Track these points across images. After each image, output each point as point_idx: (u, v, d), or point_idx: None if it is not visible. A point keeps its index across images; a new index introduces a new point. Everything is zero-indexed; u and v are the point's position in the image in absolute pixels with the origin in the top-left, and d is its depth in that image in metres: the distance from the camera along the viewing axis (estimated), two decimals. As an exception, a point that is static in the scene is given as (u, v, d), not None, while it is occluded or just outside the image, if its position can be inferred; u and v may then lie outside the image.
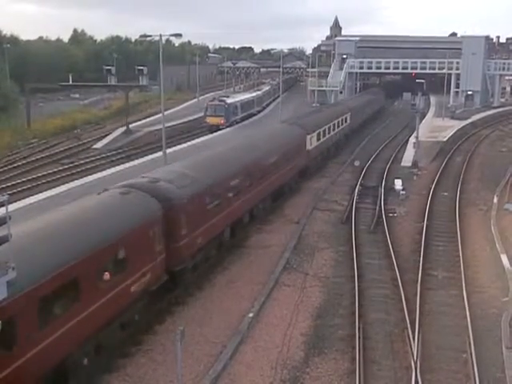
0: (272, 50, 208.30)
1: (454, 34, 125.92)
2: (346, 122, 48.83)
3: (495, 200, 31.36)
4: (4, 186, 34.72)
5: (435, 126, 58.25)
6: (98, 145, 51.07)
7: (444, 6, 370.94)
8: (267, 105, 75.74)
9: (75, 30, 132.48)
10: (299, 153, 33.27)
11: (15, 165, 42.49)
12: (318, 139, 38.14)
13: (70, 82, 75.38)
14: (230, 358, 15.46)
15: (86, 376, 13.54)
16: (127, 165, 38.12)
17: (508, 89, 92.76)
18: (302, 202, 31.54)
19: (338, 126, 45.65)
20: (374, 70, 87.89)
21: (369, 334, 16.94)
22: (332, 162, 42.63)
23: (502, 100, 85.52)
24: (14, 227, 11.13)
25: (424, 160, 42.35)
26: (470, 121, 64.36)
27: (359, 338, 16.29)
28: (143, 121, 63.66)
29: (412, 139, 45.12)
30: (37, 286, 11.41)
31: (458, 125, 59.83)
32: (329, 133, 41.63)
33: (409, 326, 16.94)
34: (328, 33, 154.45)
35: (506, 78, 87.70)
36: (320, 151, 39.32)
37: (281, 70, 70.86)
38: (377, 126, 64.46)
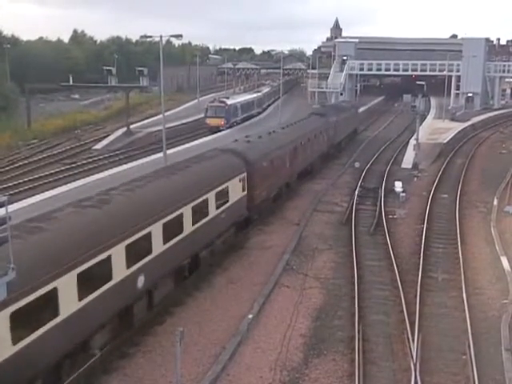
0: (272, 51, 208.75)
1: (454, 36, 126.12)
2: (227, 200, 21.76)
3: (495, 202, 31.37)
4: (5, 186, 34.74)
5: (435, 128, 58.23)
6: (99, 145, 51.04)
7: (444, 7, 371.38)
8: (267, 106, 75.80)
9: (75, 31, 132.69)
10: None
11: (16, 165, 42.48)
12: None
13: (71, 83, 75.37)
14: (229, 359, 15.44)
15: None
16: (127, 166, 38.11)
17: (508, 91, 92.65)
18: (302, 203, 31.55)
19: (195, 222, 19.00)
20: (374, 72, 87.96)
21: (368, 335, 16.93)
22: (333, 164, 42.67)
23: (503, 102, 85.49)
24: None
25: (424, 162, 42.36)
26: (470, 123, 64.34)
27: (359, 339, 16.28)
28: (144, 122, 63.65)
29: (412, 141, 45.13)
30: None
31: (458, 127, 59.81)
32: (132, 263, 15.22)
33: (408, 327, 16.92)
34: (328, 34, 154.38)
35: (506, 80, 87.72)
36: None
37: (281, 71, 70.89)
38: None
